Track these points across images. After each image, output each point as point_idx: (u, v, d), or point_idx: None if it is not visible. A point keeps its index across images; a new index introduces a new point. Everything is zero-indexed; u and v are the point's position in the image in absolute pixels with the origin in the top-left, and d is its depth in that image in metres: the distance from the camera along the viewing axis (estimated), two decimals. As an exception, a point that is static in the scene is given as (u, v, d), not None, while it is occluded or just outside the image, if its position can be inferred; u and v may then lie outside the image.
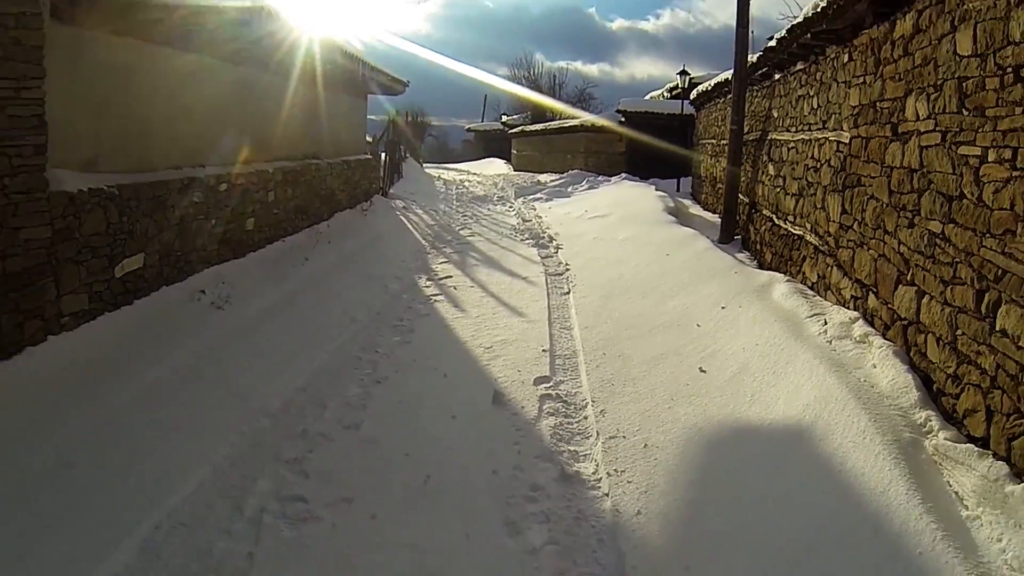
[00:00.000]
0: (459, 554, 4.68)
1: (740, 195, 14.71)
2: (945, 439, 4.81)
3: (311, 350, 8.54)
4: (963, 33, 5.51)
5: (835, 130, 8.91)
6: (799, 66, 11.11)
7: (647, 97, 40.65)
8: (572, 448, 6.25)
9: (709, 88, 20.27)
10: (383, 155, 24.66)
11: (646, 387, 7.29)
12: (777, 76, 12.69)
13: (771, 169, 12.48)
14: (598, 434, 6.40)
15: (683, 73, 27.90)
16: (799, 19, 9.52)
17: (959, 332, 5.26)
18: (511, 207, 25.38)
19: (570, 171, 33.71)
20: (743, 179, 14.60)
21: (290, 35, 12.09)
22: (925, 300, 5.91)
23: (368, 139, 23.36)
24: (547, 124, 43.52)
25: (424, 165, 37.39)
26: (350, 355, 8.54)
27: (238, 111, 12.46)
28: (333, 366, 8.14)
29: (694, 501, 5.09)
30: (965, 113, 5.42)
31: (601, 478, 5.65)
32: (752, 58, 13.92)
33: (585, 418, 6.87)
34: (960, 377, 5.19)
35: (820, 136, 9.57)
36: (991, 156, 4.95)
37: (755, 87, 14.48)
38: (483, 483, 5.61)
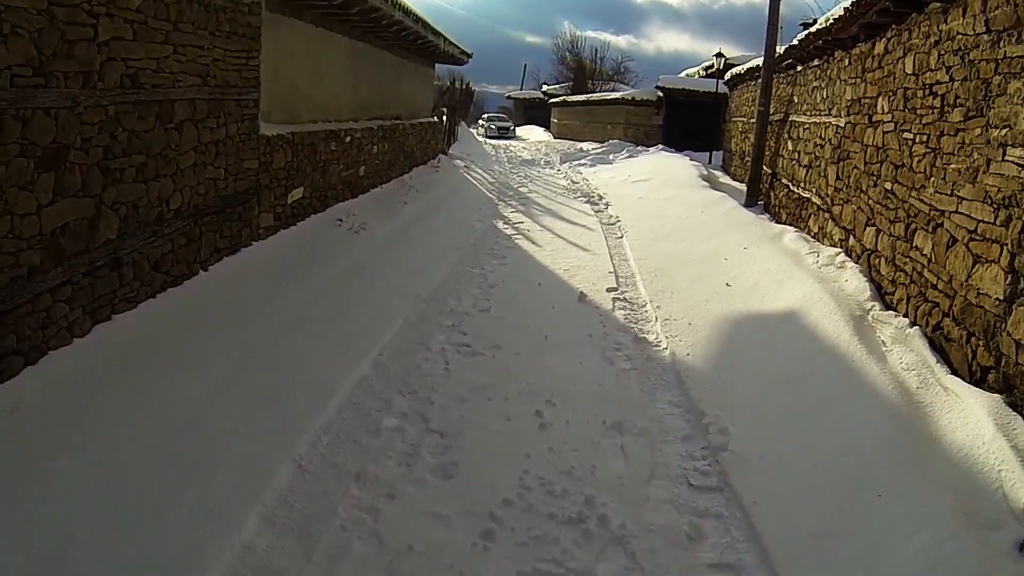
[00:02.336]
0: (578, 371, 7.57)
1: (764, 167, 17.45)
2: (880, 313, 7.65)
3: (435, 264, 11.44)
4: (907, 59, 8.33)
5: (836, 116, 11.69)
6: (815, 62, 13.81)
7: (683, 74, 43.21)
8: (639, 326, 9.17)
9: (742, 72, 22.94)
10: (444, 118, 27.45)
11: (688, 294, 10.16)
12: (799, 68, 15.37)
13: (790, 145, 15.23)
14: (656, 318, 9.31)
15: (719, 55, 30.58)
16: (814, 28, 12.29)
17: (897, 253, 8.08)
18: (558, 170, 28.16)
19: (610, 141, 36.36)
20: (767, 153, 17.33)
21: (384, 6, 14.58)
22: (881, 235, 8.73)
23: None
24: (589, 95, 46.35)
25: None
26: (464, 270, 11.42)
27: (351, 77, 15.28)
28: (455, 275, 11.02)
29: (721, 350, 7.98)
30: (906, 111, 8.23)
31: (661, 340, 8.55)
32: (780, 49, 16.59)
33: (646, 310, 9.79)
34: (895, 281, 8.03)
35: (826, 120, 12.34)
36: (918, 139, 7.77)
37: (781, 75, 17.13)
38: (583, 340, 8.52)
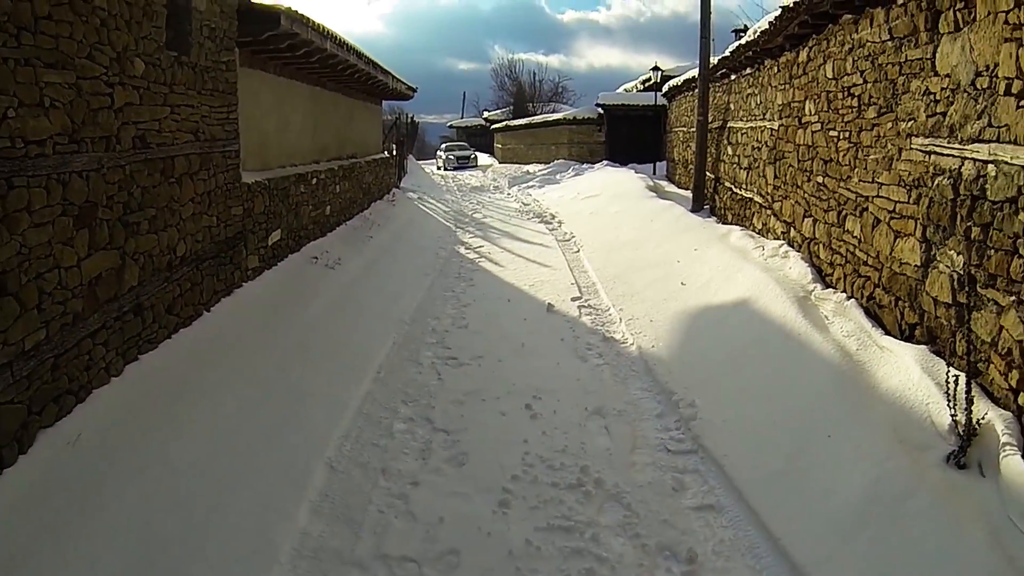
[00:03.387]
0: (556, 370, 8.45)
1: (707, 172, 18.49)
2: (821, 292, 8.63)
3: (409, 290, 12.28)
4: (828, 65, 9.39)
5: (769, 120, 12.73)
6: (748, 71, 14.87)
7: (620, 89, 44.50)
8: (605, 328, 10.09)
9: (679, 83, 24.05)
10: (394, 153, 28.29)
11: (646, 296, 11.09)
12: (733, 77, 16.43)
13: (730, 151, 16.29)
14: (620, 319, 10.25)
15: (656, 69, 31.83)
16: (744, 41, 13.36)
17: (832, 238, 9.07)
18: (508, 194, 29.16)
19: (555, 161, 37.55)
20: (709, 159, 18.39)
21: (341, 52, 15.45)
22: (817, 224, 9.72)
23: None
24: (531, 118, 47.55)
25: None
26: (437, 293, 12.29)
27: (311, 121, 16.10)
28: (430, 299, 11.88)
29: (682, 340, 8.91)
30: (830, 111, 9.26)
31: (627, 338, 9.48)
32: (713, 60, 17.67)
33: (609, 314, 10.74)
34: (832, 263, 9.02)
35: (761, 125, 13.39)
36: (841, 136, 8.80)
37: (716, 84, 18.18)
38: (557, 344, 9.42)
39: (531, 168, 38.20)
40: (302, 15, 11.59)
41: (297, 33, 11.50)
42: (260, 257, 11.64)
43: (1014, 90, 5.16)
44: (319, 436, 6.59)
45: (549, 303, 11.31)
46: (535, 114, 52.82)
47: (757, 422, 6.41)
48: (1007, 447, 4.62)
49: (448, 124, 72.63)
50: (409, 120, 33.64)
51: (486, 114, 63.83)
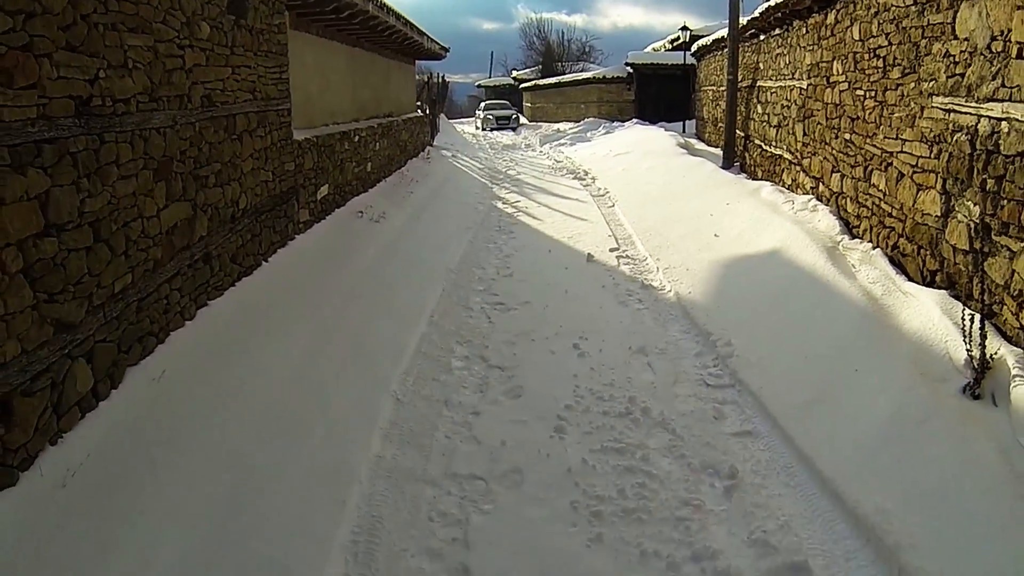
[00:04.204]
0: (599, 314, 8.95)
1: (737, 130, 18.82)
2: (849, 243, 9.06)
3: (453, 242, 12.78)
4: (854, 27, 9.75)
5: (798, 80, 13.06)
6: (776, 32, 15.15)
7: (648, 49, 44.53)
8: (644, 276, 10.57)
9: (708, 43, 24.27)
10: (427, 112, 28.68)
11: (681, 247, 11.53)
12: (762, 37, 16.71)
13: (760, 109, 16.61)
14: (657, 268, 10.72)
15: (684, 28, 32.05)
16: (774, 2, 13.68)
17: (859, 192, 9.47)
18: (540, 152, 29.52)
19: (585, 119, 37.80)
20: (739, 118, 18.70)
21: (381, 13, 15.85)
22: (844, 179, 10.12)
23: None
24: (560, 78, 47.72)
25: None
26: (479, 244, 12.79)
27: (350, 80, 16.55)
28: (473, 250, 12.38)
29: (717, 287, 9.37)
30: (857, 71, 9.63)
31: (665, 285, 9.96)
32: (743, 21, 17.93)
33: (647, 263, 11.21)
34: (859, 215, 9.44)
35: (790, 84, 13.71)
36: (867, 95, 9.18)
37: (745, 44, 18.41)
38: (599, 291, 9.90)
39: (561, 127, 38.44)
40: (346, -24, 12.03)
41: (343, -5, 11.94)
42: (310, 211, 12.16)
43: (1027, 53, 5.56)
44: (383, 373, 7.11)
45: (589, 253, 11.78)
46: (563, 73, 52.96)
47: (789, 359, 6.87)
48: (1017, 379, 5.06)
49: (476, 84, 72.60)
50: (440, 79, 33.87)
51: (515, 73, 63.92)
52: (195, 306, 7.73)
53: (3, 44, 4.57)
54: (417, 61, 28.03)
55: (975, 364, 5.40)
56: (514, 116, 45.15)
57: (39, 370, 4.94)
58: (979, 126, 6.32)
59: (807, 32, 12.47)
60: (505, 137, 36.98)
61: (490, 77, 72.59)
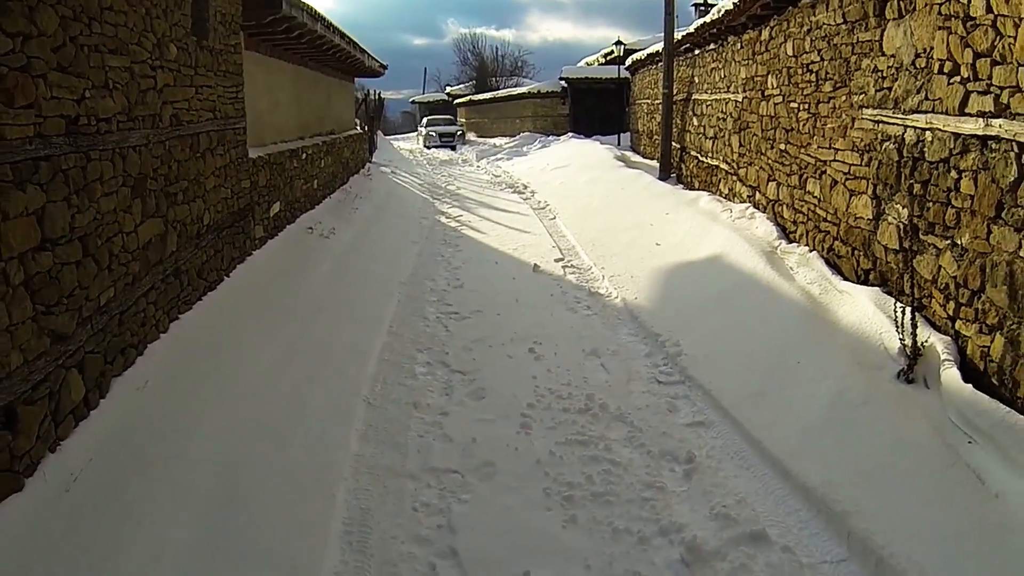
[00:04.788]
0: (550, 320, 9.42)
1: (673, 142, 19.47)
2: (786, 247, 9.66)
3: (402, 256, 13.16)
4: (788, 44, 10.42)
5: (734, 93, 13.72)
6: (712, 46, 15.82)
7: (582, 63, 45.36)
8: (590, 284, 11.09)
9: (642, 58, 24.97)
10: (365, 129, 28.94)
11: (624, 256, 12.07)
12: (697, 52, 17.39)
13: (695, 121, 17.28)
14: (603, 276, 11.24)
15: (618, 43, 32.91)
16: (708, 19, 14.33)
17: (795, 199, 10.10)
18: (478, 167, 30.03)
19: (521, 134, 38.45)
20: (675, 130, 19.36)
21: (328, 33, 16.17)
22: (780, 187, 10.75)
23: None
24: (495, 93, 48.39)
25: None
26: (428, 258, 13.20)
27: (296, 99, 16.83)
28: (422, 263, 12.78)
29: (662, 292, 9.92)
30: (791, 85, 10.28)
31: (611, 292, 10.48)
32: (678, 36, 18.59)
33: (592, 272, 11.74)
34: (795, 221, 10.07)
35: (726, 97, 14.38)
36: (801, 107, 9.83)
37: (680, 58, 19.08)
38: (548, 299, 10.38)
39: (497, 141, 39.01)
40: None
41: (295, 16, 12.30)
42: (264, 227, 12.44)
43: (945, 70, 6.21)
44: (352, 380, 7.47)
45: (535, 264, 12.27)
46: (497, 88, 53.69)
47: (735, 356, 7.41)
48: (946, 362, 5.66)
49: (411, 100, 72.98)
50: (377, 96, 34.19)
51: (448, 89, 64.44)
52: (168, 319, 7.99)
53: (4, 65, 4.84)
54: (357, 79, 28.39)
55: (908, 352, 5.98)
56: (459, 132, 43.49)
57: (38, 380, 5.20)
58: (906, 135, 6.94)
59: (742, 47, 13.12)
60: (442, 153, 37.35)
61: (423, 93, 72.98)
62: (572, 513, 5.16)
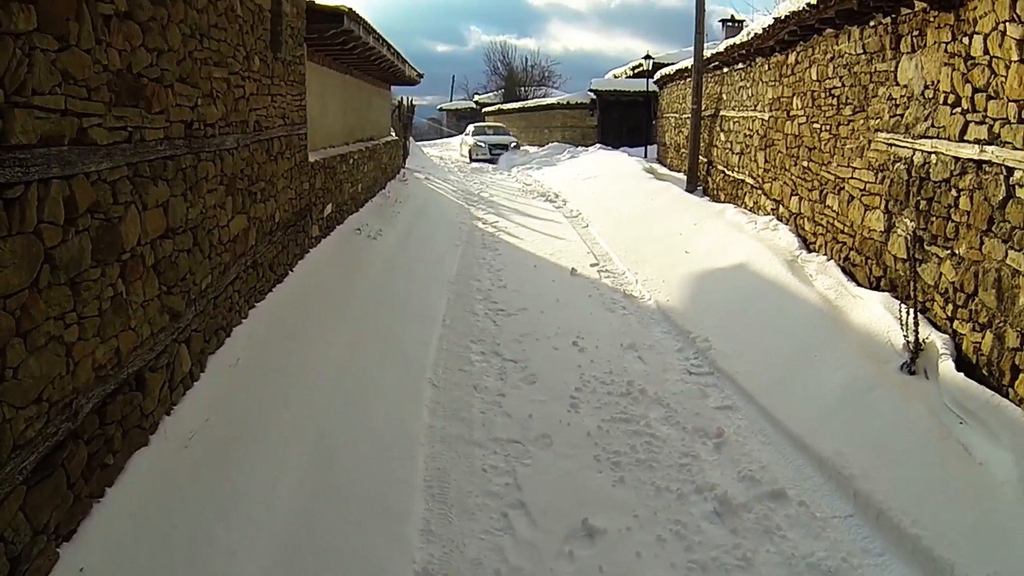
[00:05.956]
0: (590, 318, 10.31)
1: (700, 156, 20.31)
2: (806, 256, 10.52)
3: (447, 258, 14.07)
4: (812, 69, 11.29)
5: (760, 111, 14.59)
6: (740, 66, 16.68)
7: (610, 75, 46.26)
8: (625, 287, 11.96)
9: (671, 72, 25.77)
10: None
11: (656, 263, 12.93)
12: (725, 70, 18.24)
13: (723, 137, 18.14)
14: (636, 280, 12.12)
15: (647, 57, 33.78)
16: (738, 40, 15.20)
17: (815, 212, 10.96)
18: (509, 175, 30.85)
19: (549, 144, 39.11)
20: (702, 144, 20.20)
21: (377, 45, 17.07)
22: (803, 202, 11.61)
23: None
24: (524, 102, 49.23)
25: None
26: (470, 260, 14.09)
27: (343, 106, 17.77)
28: (465, 264, 13.69)
29: (692, 295, 10.78)
30: (814, 107, 11.15)
31: (645, 294, 11.36)
32: (707, 54, 19.44)
33: (626, 276, 12.63)
34: (815, 233, 10.93)
35: (752, 115, 15.24)
36: (823, 128, 10.71)
37: (708, 75, 19.92)
38: (586, 300, 11.27)
39: (527, 150, 39.70)
40: (356, 13, 13.30)
41: (351, 30, 13.22)
42: (320, 227, 13.34)
43: (949, 101, 7.15)
44: (416, 364, 8.38)
45: (573, 268, 13.15)
46: (526, 98, 54.42)
47: (759, 351, 8.28)
48: (943, 356, 6.56)
49: (438, 107, 73.71)
50: (410, 103, 35.02)
51: (477, 97, 65.24)
52: (248, 306, 8.90)
53: (145, 76, 5.74)
54: (394, 86, 29.30)
55: (911, 347, 6.85)
56: (513, 144, 38.18)
57: (160, 350, 6.10)
58: (914, 158, 7.84)
59: (769, 69, 13.98)
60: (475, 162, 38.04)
61: (451, 100, 73.89)
62: (620, 475, 6.06)
